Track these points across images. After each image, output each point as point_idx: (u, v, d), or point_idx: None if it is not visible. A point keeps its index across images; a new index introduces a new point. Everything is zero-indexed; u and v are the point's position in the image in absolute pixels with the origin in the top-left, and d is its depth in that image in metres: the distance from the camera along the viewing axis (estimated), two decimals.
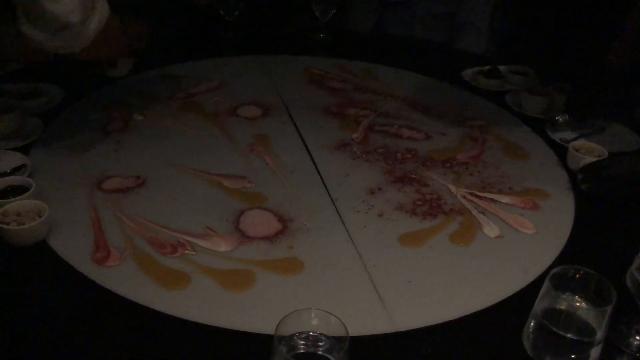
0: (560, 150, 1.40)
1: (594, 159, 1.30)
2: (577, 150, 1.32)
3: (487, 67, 1.76)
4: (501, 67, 1.76)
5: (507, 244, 1.12)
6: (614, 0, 1.41)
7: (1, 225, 0.99)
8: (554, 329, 0.74)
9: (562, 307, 0.76)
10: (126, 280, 0.96)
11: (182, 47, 1.99)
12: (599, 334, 0.73)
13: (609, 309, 0.72)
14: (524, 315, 0.80)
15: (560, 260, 1.07)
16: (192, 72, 1.76)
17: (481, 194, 1.25)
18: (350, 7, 2.34)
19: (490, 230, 1.14)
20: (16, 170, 1.19)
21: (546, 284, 0.76)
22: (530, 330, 0.78)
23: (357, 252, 1.07)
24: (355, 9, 2.35)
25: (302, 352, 0.72)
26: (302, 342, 0.71)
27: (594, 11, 1.54)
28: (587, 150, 1.33)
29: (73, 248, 1.03)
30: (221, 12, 1.97)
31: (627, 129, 1.49)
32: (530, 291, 0.95)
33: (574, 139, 1.40)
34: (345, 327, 0.69)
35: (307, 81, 1.76)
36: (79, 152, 1.32)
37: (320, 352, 0.72)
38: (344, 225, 1.13)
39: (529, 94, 1.61)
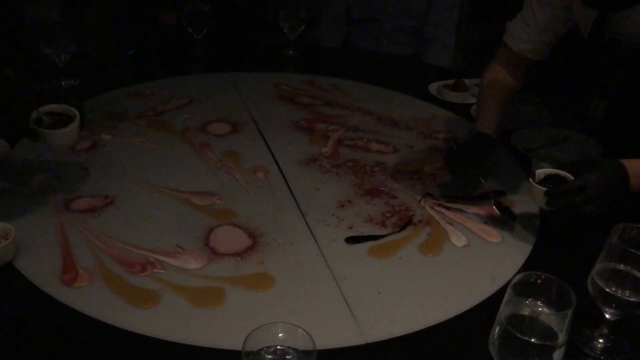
0: (525, 160, 1.43)
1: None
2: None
3: (453, 81, 1.80)
4: (466, 80, 1.80)
5: (475, 253, 1.14)
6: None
7: None
8: (518, 335, 0.76)
9: (525, 312, 0.77)
10: (95, 301, 0.96)
11: (151, 65, 1.99)
12: (561, 338, 0.75)
13: (569, 313, 0.74)
14: (491, 322, 0.82)
15: (526, 267, 1.09)
16: (160, 90, 1.76)
17: (448, 205, 1.27)
18: (319, 23, 2.38)
19: (458, 240, 1.17)
20: None
21: (509, 291, 0.78)
22: (496, 336, 0.79)
23: (327, 265, 1.07)
24: (324, 26, 2.38)
25: None
26: (269, 356, 0.71)
27: None
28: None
29: (40, 269, 1.02)
30: (190, 30, 1.97)
31: (586, 137, 1.53)
32: (497, 298, 0.96)
33: (538, 148, 1.44)
34: (313, 340, 0.69)
35: (277, 97, 1.77)
36: (46, 173, 1.31)
37: None
38: (314, 239, 1.14)
39: None
